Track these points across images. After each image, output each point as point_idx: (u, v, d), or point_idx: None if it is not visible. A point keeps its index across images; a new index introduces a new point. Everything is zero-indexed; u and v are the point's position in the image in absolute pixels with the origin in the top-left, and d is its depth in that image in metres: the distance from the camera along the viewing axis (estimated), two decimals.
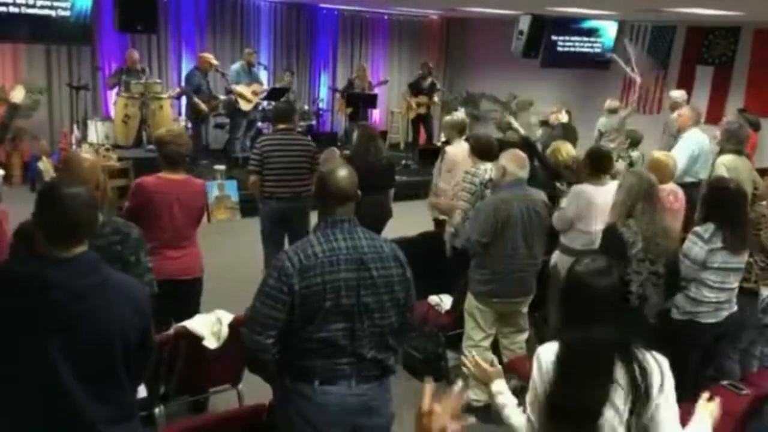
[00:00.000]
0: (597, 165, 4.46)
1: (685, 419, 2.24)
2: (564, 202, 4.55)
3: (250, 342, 2.41)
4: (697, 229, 3.70)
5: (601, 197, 4.39)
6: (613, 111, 8.18)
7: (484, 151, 4.90)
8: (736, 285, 3.78)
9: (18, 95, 4.66)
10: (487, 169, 4.82)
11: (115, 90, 9.47)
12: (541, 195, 4.16)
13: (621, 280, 2.24)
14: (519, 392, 2.68)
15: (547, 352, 2.15)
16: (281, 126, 5.48)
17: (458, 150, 5.69)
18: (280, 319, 2.38)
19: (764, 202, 4.19)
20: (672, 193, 4.55)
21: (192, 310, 3.78)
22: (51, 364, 1.92)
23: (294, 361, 2.46)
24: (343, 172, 2.54)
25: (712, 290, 3.67)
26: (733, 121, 5.62)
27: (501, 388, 2.36)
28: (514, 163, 4.07)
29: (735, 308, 3.81)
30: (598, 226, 4.35)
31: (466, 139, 5.94)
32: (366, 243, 2.51)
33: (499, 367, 2.43)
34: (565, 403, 2.07)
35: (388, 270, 2.51)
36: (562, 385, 2.07)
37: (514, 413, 2.29)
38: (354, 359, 2.46)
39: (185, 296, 3.95)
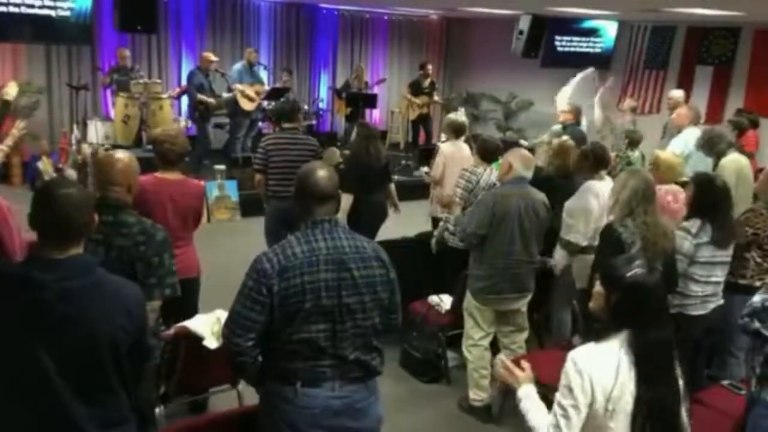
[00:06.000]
0: (600, 161, 4.50)
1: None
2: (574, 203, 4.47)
3: (230, 344, 2.40)
4: (685, 224, 3.77)
5: (606, 192, 4.44)
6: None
7: (487, 153, 4.92)
8: (722, 278, 3.83)
9: (11, 92, 4.70)
10: (486, 170, 4.84)
11: (110, 89, 9.50)
12: (541, 196, 4.16)
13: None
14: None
15: (588, 359, 2.12)
16: (286, 125, 5.49)
17: (453, 149, 5.74)
18: (259, 321, 2.35)
19: (759, 202, 4.19)
20: (671, 193, 4.55)
21: (189, 311, 3.78)
22: (39, 365, 1.91)
23: (275, 363, 2.43)
24: (322, 172, 2.50)
25: (699, 284, 3.74)
26: (707, 129, 5.77)
27: (527, 392, 2.30)
28: (520, 161, 4.09)
29: (722, 301, 3.87)
30: (603, 221, 4.39)
31: (466, 140, 5.97)
32: (347, 243, 2.46)
33: (529, 372, 2.37)
34: (651, 407, 2.08)
35: (370, 270, 2.47)
36: (645, 390, 2.09)
37: (538, 418, 2.22)
38: (336, 361, 2.42)
39: (185, 296, 3.94)
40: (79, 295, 1.95)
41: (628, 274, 2.17)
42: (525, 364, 2.41)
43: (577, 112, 7.28)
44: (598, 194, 4.37)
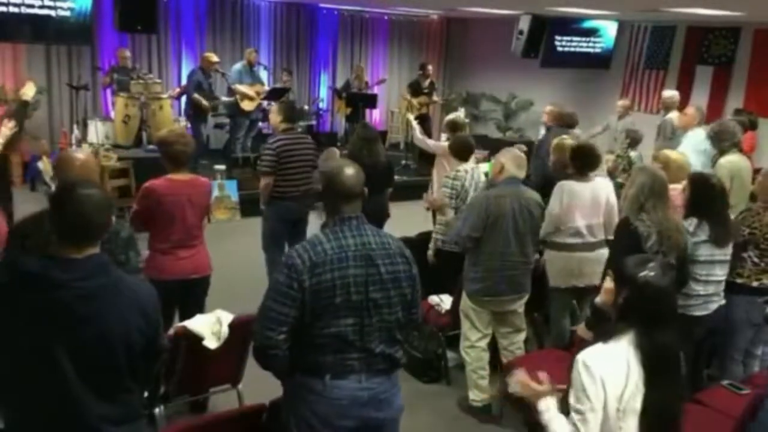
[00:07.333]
0: (584, 162, 4.44)
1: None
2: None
3: (263, 338, 2.44)
4: (683, 223, 3.77)
5: (587, 193, 4.38)
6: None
7: (459, 150, 4.96)
8: (723, 277, 3.84)
9: (29, 92, 4.72)
10: (468, 170, 4.84)
11: (109, 89, 9.50)
12: (535, 195, 4.16)
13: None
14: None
15: (599, 362, 2.11)
16: (287, 126, 5.46)
17: None
18: (291, 316, 2.41)
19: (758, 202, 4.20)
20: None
21: (201, 308, 3.81)
22: (54, 363, 1.93)
23: (304, 356, 2.49)
24: (350, 171, 2.56)
25: (699, 283, 3.74)
26: (719, 122, 5.70)
27: (548, 405, 2.25)
28: (512, 161, 4.08)
29: (723, 301, 3.87)
30: (580, 222, 4.35)
31: None
32: (374, 240, 2.54)
33: (548, 385, 2.32)
34: (655, 408, 2.08)
35: (396, 266, 2.55)
36: (650, 391, 2.09)
37: (560, 427, 2.19)
38: (363, 354, 2.50)
39: (198, 294, 3.98)
40: (97, 294, 1.97)
41: (641, 274, 2.16)
42: (543, 375, 2.36)
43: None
44: (573, 194, 4.32)
